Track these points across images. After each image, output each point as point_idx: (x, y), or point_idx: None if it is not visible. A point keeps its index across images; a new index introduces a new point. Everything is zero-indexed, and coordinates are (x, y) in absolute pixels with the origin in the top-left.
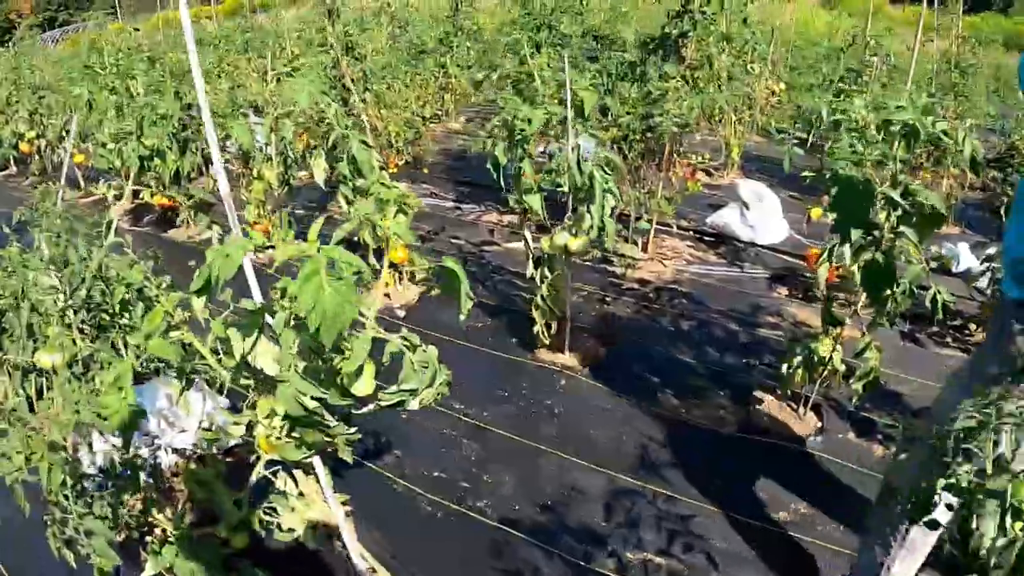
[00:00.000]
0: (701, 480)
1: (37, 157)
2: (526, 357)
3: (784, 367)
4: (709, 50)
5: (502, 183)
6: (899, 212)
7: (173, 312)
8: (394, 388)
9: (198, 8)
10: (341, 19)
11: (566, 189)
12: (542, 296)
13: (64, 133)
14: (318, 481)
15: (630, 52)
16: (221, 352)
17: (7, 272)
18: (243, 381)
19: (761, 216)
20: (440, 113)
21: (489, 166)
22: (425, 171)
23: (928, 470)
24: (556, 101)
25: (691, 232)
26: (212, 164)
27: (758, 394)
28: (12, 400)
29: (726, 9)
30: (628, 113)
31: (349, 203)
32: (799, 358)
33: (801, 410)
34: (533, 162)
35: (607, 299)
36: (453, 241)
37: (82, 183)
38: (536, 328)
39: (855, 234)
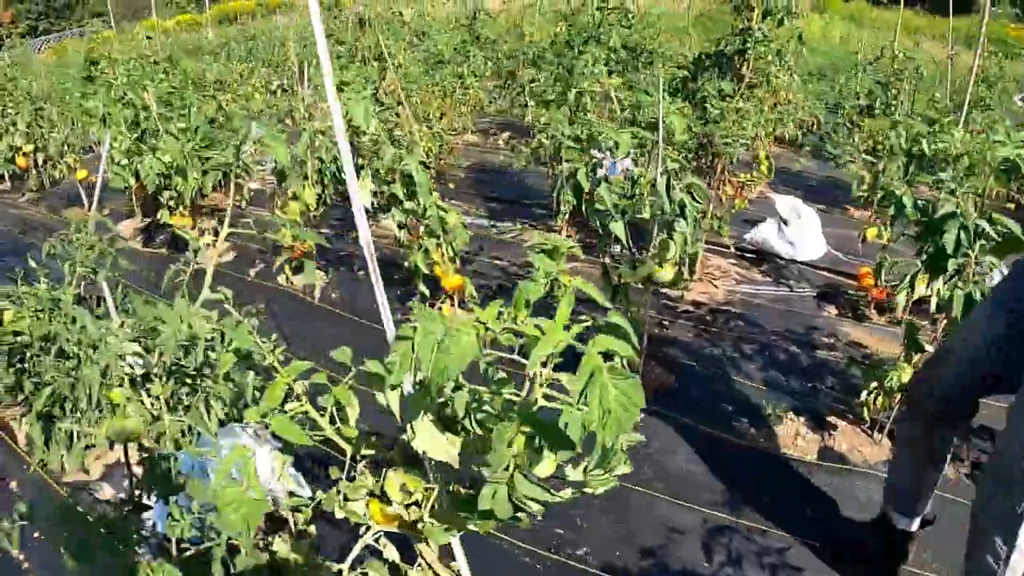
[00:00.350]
0: (789, 510)
1: (34, 172)
2: None
3: (863, 394)
4: (769, 68)
5: (583, 209)
6: (982, 241)
7: (293, 383)
8: (598, 472)
9: (192, 15)
10: (374, 28)
11: (647, 216)
12: None
13: (66, 146)
14: (428, 546)
15: (663, 65)
16: (337, 420)
17: (38, 315)
18: (364, 452)
19: (800, 232)
20: (456, 125)
21: (568, 192)
22: (451, 186)
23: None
24: (607, 118)
25: (731, 249)
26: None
27: (831, 419)
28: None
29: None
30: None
31: (401, 227)
32: (875, 383)
33: (876, 435)
34: (611, 187)
35: (664, 323)
36: (495, 262)
37: (85, 200)
38: None
39: (951, 264)
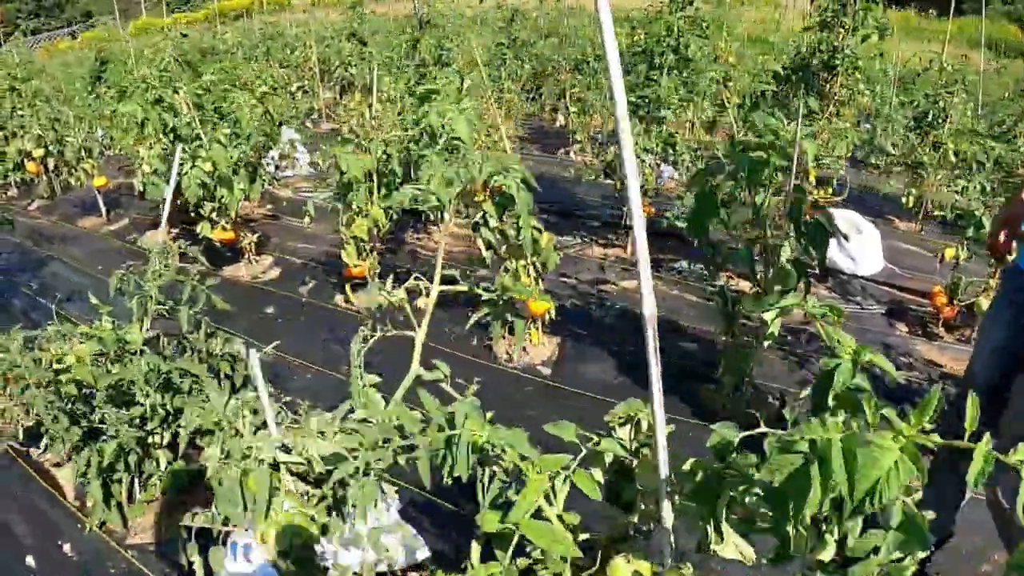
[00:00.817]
0: None
1: (45, 178)
2: (702, 422)
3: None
4: (857, 86)
5: (707, 245)
6: None
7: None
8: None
9: (187, 14)
10: (432, 28)
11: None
12: (729, 358)
13: (83, 151)
14: None
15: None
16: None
17: (101, 361)
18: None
19: (860, 247)
20: (510, 133)
21: (683, 224)
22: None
23: None
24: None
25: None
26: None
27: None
28: None
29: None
30: None
31: (489, 247)
32: None
33: None
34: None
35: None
36: (563, 279)
37: (103, 208)
38: (723, 391)
39: None
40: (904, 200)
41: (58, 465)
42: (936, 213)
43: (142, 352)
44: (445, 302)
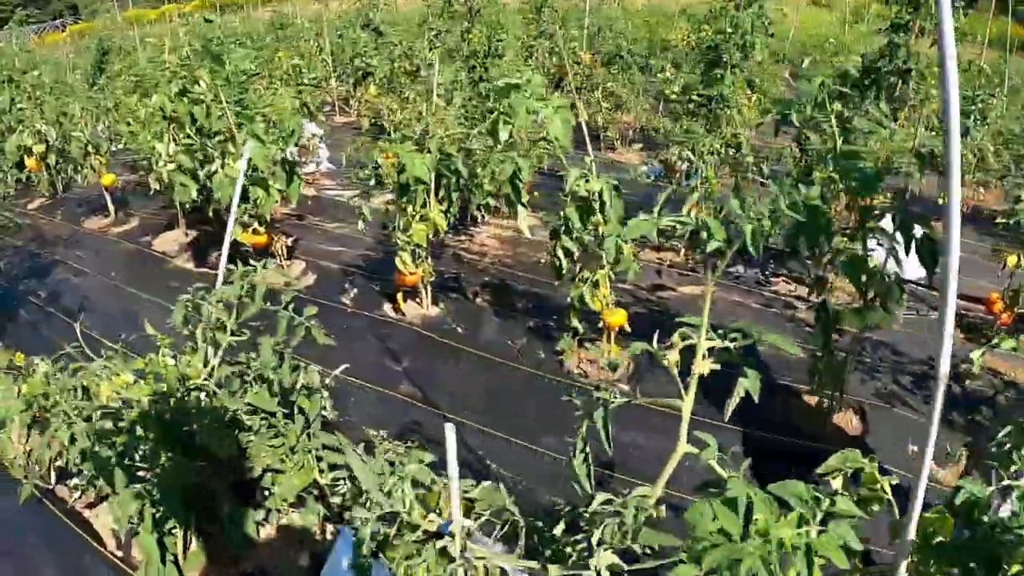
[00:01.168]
0: None
1: (46, 175)
2: (789, 436)
3: None
4: (931, 89)
5: (814, 260)
6: None
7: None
8: None
9: (177, 5)
10: (482, 19)
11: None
12: (823, 369)
13: (90, 147)
14: None
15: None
16: None
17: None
18: None
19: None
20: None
21: (790, 233)
22: (536, 195)
23: None
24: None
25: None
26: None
27: None
28: None
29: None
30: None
31: (568, 254)
32: None
33: None
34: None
35: (818, 356)
36: (621, 286)
37: (111, 208)
38: (817, 400)
39: None
40: (939, 201)
41: (91, 506)
42: (999, 220)
43: (214, 394)
44: (500, 313)
